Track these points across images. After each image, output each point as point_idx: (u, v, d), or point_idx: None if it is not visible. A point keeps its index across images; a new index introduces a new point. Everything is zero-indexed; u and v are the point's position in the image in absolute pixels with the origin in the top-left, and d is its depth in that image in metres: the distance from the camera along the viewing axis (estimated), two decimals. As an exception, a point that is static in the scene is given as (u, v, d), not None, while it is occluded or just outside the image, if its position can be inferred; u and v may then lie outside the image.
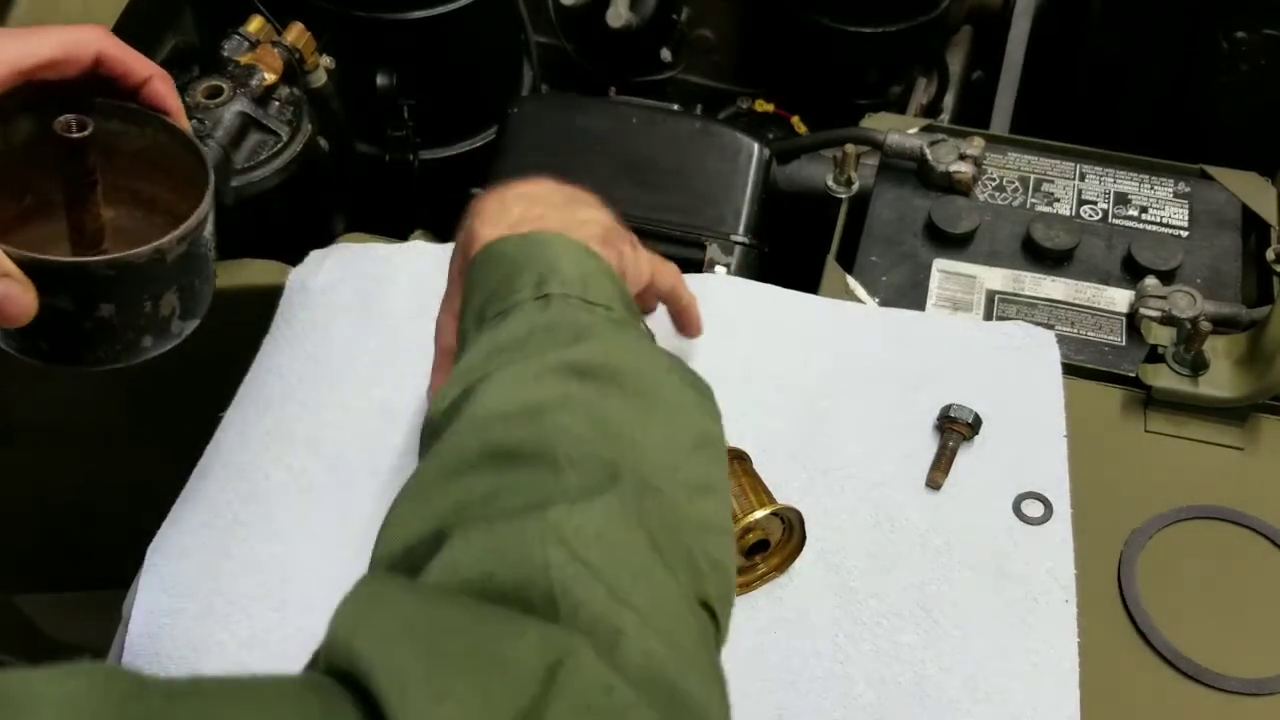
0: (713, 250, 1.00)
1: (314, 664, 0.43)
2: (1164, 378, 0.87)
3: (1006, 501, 0.79)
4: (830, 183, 1.06)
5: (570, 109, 1.10)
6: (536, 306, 0.61)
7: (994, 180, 1.04)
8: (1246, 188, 1.03)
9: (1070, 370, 0.87)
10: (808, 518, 0.74)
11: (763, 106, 1.38)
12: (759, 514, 0.72)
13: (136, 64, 0.70)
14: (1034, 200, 1.03)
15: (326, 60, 1.07)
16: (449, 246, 0.94)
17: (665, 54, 1.38)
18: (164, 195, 0.74)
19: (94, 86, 0.70)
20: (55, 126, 0.65)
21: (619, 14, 1.28)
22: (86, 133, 0.66)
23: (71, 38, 0.67)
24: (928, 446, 0.81)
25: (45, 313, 0.63)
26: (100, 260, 0.66)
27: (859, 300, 0.95)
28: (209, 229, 0.72)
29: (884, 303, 0.95)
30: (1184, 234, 1.00)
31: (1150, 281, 0.93)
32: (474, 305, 0.65)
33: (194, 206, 0.70)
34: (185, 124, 0.73)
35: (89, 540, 1.22)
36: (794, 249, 1.04)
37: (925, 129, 1.08)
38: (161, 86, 0.71)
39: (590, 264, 0.64)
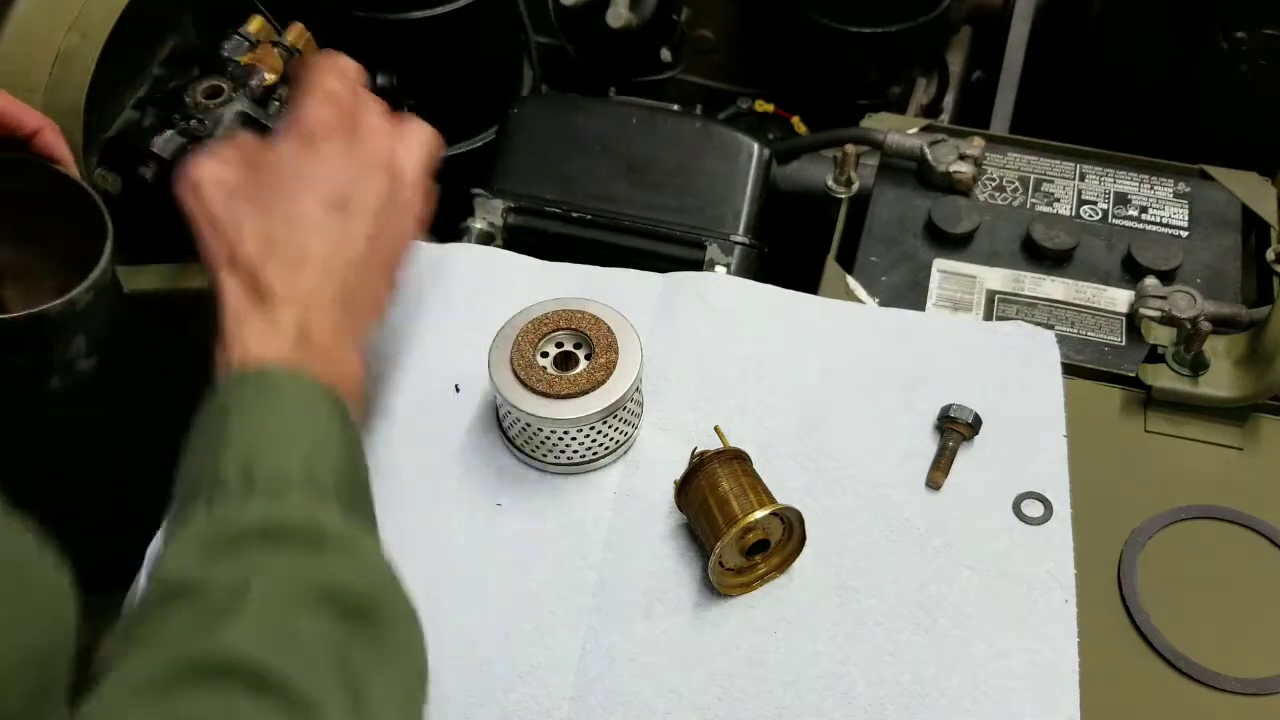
0: (713, 250, 1.00)
1: None
2: (1164, 378, 0.87)
3: (1006, 501, 0.79)
4: (830, 183, 1.06)
5: (570, 109, 1.10)
6: (244, 501, 0.57)
7: (994, 180, 1.04)
8: (1246, 188, 1.02)
9: (1070, 370, 0.87)
10: (808, 518, 0.74)
11: (763, 106, 1.38)
12: (759, 514, 0.72)
13: (25, 116, 0.74)
14: (1034, 200, 1.03)
15: (326, 60, 1.07)
16: (447, 247, 0.95)
17: (665, 54, 1.38)
18: (58, 239, 0.77)
19: None
20: None
21: (619, 14, 1.28)
22: None
23: None
24: (928, 446, 0.81)
25: None
26: (18, 316, 0.71)
27: (859, 300, 0.95)
28: (111, 274, 0.76)
29: (884, 303, 0.95)
30: (1184, 234, 1.00)
31: (1150, 281, 0.93)
32: (189, 464, 0.61)
33: (93, 249, 0.74)
34: (74, 172, 0.77)
35: (89, 540, 1.22)
36: (794, 249, 1.04)
37: (925, 129, 1.08)
38: (50, 136, 0.75)
39: (315, 431, 0.61)
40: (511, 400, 0.77)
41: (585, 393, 0.77)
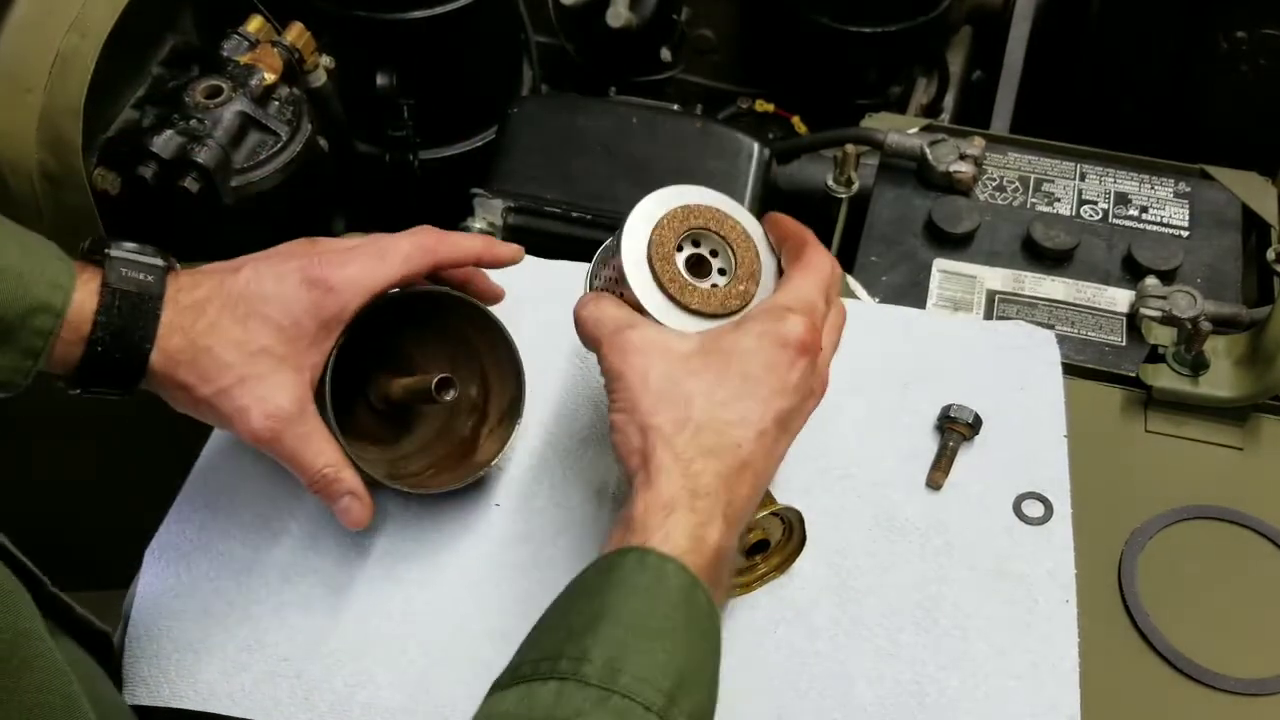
0: (713, 250, 1.00)
1: None
2: (1164, 378, 0.86)
3: (1006, 501, 0.79)
4: (830, 183, 1.06)
5: (570, 109, 1.10)
6: (599, 706, 0.53)
7: (994, 180, 1.04)
8: (1246, 188, 1.02)
9: (1070, 370, 0.87)
10: (808, 518, 0.74)
11: (763, 106, 1.38)
12: (759, 514, 0.72)
13: (465, 251, 0.76)
14: (1034, 200, 1.03)
15: (326, 60, 1.07)
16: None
17: (665, 54, 1.38)
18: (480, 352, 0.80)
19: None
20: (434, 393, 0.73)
21: (619, 14, 1.28)
22: (453, 395, 0.74)
23: (411, 250, 0.73)
24: (928, 446, 0.81)
25: None
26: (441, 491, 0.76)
27: (859, 300, 0.95)
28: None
29: (884, 302, 0.95)
30: (1184, 234, 1.00)
31: (1150, 281, 0.93)
32: (553, 628, 0.59)
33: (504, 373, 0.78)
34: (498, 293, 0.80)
35: (89, 540, 1.22)
36: (794, 249, 1.04)
37: (925, 129, 1.08)
38: (481, 281, 0.79)
39: (693, 653, 0.57)
40: (635, 287, 0.68)
41: (715, 317, 0.68)
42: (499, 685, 0.56)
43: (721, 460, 0.61)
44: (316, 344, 0.70)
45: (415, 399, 0.77)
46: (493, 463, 0.76)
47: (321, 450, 0.70)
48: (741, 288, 0.69)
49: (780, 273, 0.70)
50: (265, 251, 0.73)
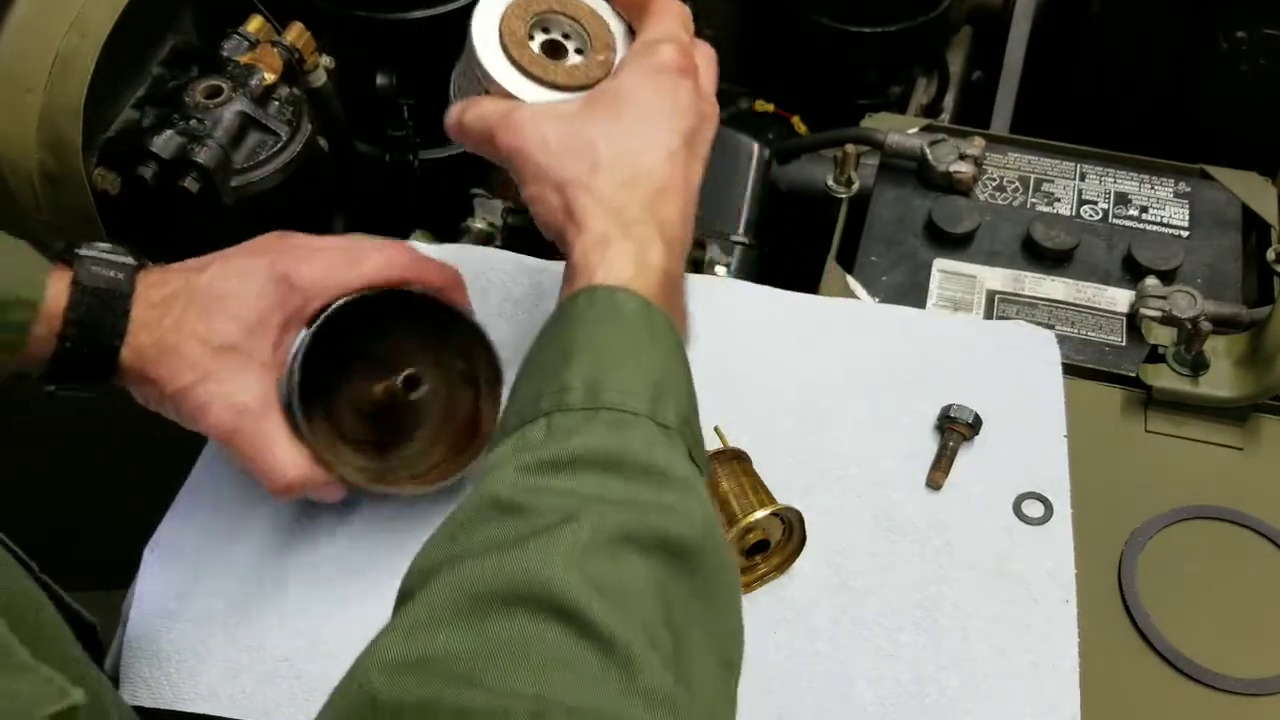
0: (713, 250, 1.00)
1: None
2: (1164, 378, 0.86)
3: (1006, 501, 0.79)
4: (830, 183, 1.06)
5: (570, 109, 1.10)
6: (589, 422, 0.55)
7: (994, 180, 1.04)
8: (1246, 188, 1.02)
9: (1070, 370, 0.87)
10: (808, 518, 0.74)
11: (763, 106, 1.38)
12: (759, 514, 0.72)
13: (435, 277, 0.76)
14: (1034, 200, 1.03)
15: (326, 60, 1.07)
16: (447, 247, 0.95)
17: (665, 54, 1.38)
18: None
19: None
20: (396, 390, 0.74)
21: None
22: (422, 392, 0.74)
23: (384, 263, 0.73)
24: (928, 446, 0.81)
25: None
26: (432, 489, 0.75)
27: (859, 300, 0.95)
28: None
29: (884, 302, 0.95)
30: (1184, 234, 1.00)
31: (1150, 281, 0.93)
32: (529, 379, 0.60)
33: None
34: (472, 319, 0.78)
35: (89, 540, 1.22)
36: (794, 249, 1.04)
37: (925, 129, 1.08)
38: (456, 295, 0.77)
39: (665, 364, 0.60)
40: (500, 79, 0.70)
41: (582, 88, 0.70)
42: (491, 448, 0.58)
43: (640, 188, 0.64)
44: (282, 341, 0.71)
45: (395, 399, 0.77)
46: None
47: (278, 447, 0.69)
48: (600, 58, 0.71)
49: (633, 35, 0.73)
50: (234, 248, 0.73)
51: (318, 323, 0.72)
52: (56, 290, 0.67)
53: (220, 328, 0.69)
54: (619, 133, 0.66)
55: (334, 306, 0.73)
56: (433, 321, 0.78)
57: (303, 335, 0.73)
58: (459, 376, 0.79)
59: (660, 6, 0.72)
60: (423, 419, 0.80)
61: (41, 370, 0.68)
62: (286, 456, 0.69)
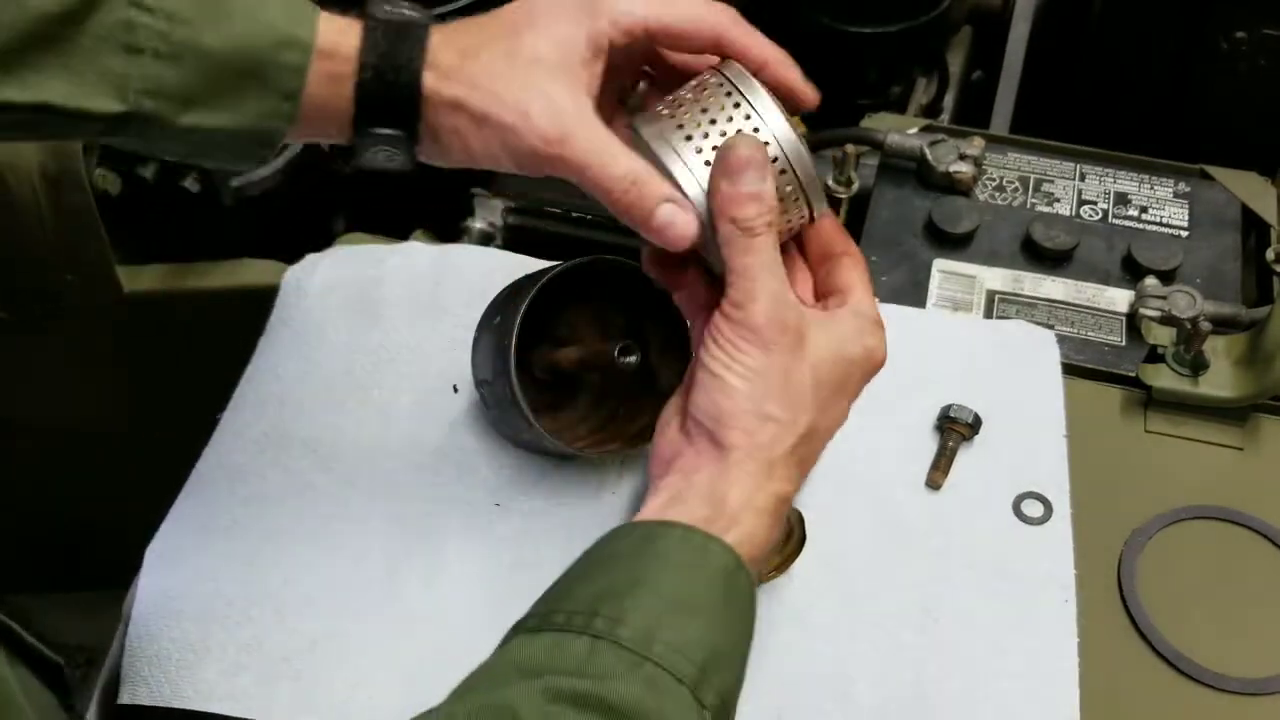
0: (713, 250, 1.00)
1: None
2: (1164, 378, 0.86)
3: (1006, 501, 0.79)
4: (830, 183, 1.06)
5: (570, 109, 1.10)
6: (632, 670, 0.52)
7: (994, 180, 1.04)
8: (1246, 188, 1.02)
9: (1070, 370, 0.87)
10: (808, 518, 0.74)
11: (763, 106, 1.37)
12: None
13: (756, 48, 0.67)
14: (1034, 200, 1.03)
15: (327, 60, 1.07)
16: (447, 247, 0.95)
17: (665, 54, 1.38)
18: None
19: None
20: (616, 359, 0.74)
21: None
22: (633, 361, 0.74)
23: (700, 13, 0.65)
24: (928, 446, 0.81)
25: None
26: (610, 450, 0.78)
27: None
28: None
29: (884, 302, 0.94)
30: (1184, 234, 1.00)
31: (1150, 281, 0.93)
32: (592, 579, 0.56)
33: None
34: (812, 100, 0.70)
35: (89, 540, 1.22)
36: (794, 249, 1.03)
37: (925, 129, 1.08)
38: (781, 71, 0.68)
39: (728, 634, 0.57)
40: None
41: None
42: (525, 628, 0.55)
43: (793, 444, 0.60)
44: (587, 65, 0.63)
45: (590, 368, 0.78)
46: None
47: (619, 154, 0.60)
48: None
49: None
50: None
51: (530, 295, 0.73)
52: (340, 27, 0.61)
53: (530, 43, 0.62)
54: (801, 387, 0.60)
55: (546, 278, 0.73)
56: (590, 275, 0.77)
57: (517, 309, 0.73)
58: (617, 332, 0.81)
59: (863, 273, 0.64)
60: (583, 378, 0.82)
61: (343, 122, 0.62)
62: (631, 163, 0.60)
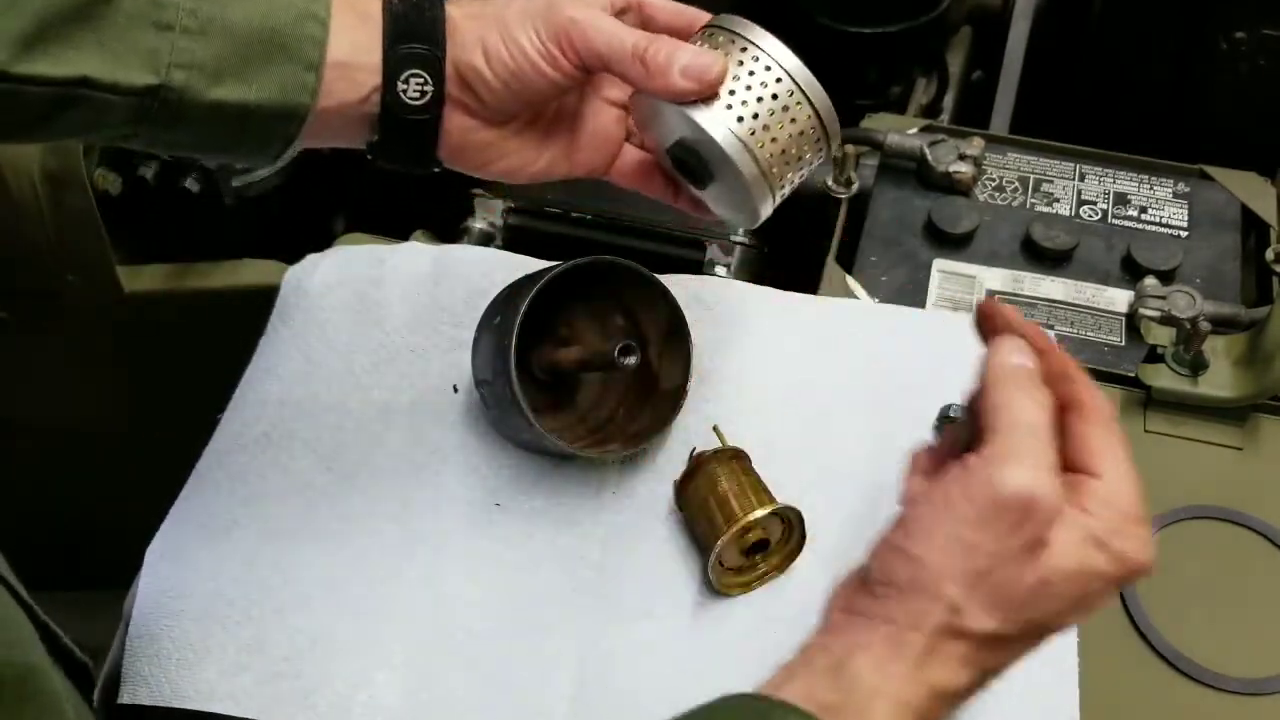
0: (713, 250, 1.00)
1: None
2: (1163, 378, 0.87)
3: (1006, 501, 0.79)
4: (830, 183, 1.06)
5: (570, 109, 1.10)
6: None
7: (994, 180, 1.04)
8: (1246, 188, 1.02)
9: (1070, 370, 0.87)
10: (808, 518, 0.74)
11: (763, 107, 1.37)
12: (759, 513, 0.72)
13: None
14: (1034, 200, 1.03)
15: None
16: (447, 247, 0.95)
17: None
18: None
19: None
20: (616, 360, 0.73)
21: (619, 14, 1.27)
22: (633, 362, 0.74)
23: None
24: (927, 446, 0.81)
25: None
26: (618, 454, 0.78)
27: (859, 300, 0.95)
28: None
29: (884, 302, 0.95)
30: (1184, 234, 1.00)
31: (1150, 281, 0.93)
32: None
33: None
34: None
35: (89, 540, 1.22)
36: (794, 249, 1.04)
37: (925, 129, 1.08)
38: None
39: None
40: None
41: None
42: None
43: (977, 666, 0.54)
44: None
45: (590, 368, 0.78)
46: (688, 384, 0.78)
47: (632, 30, 0.63)
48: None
49: None
50: None
51: (530, 295, 0.73)
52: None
53: None
54: (1015, 591, 0.52)
55: (547, 278, 0.74)
56: (589, 275, 0.78)
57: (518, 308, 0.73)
58: (617, 331, 0.81)
59: (1113, 437, 0.55)
60: (582, 378, 0.82)
61: (368, 101, 0.64)
62: (625, 30, 0.63)
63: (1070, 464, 0.54)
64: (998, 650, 0.53)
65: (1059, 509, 0.52)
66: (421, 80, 0.63)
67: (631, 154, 0.72)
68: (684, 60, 0.61)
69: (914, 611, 0.52)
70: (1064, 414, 0.55)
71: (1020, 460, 0.52)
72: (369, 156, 0.67)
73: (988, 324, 0.57)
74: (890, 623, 0.52)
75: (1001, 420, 0.53)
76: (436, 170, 0.68)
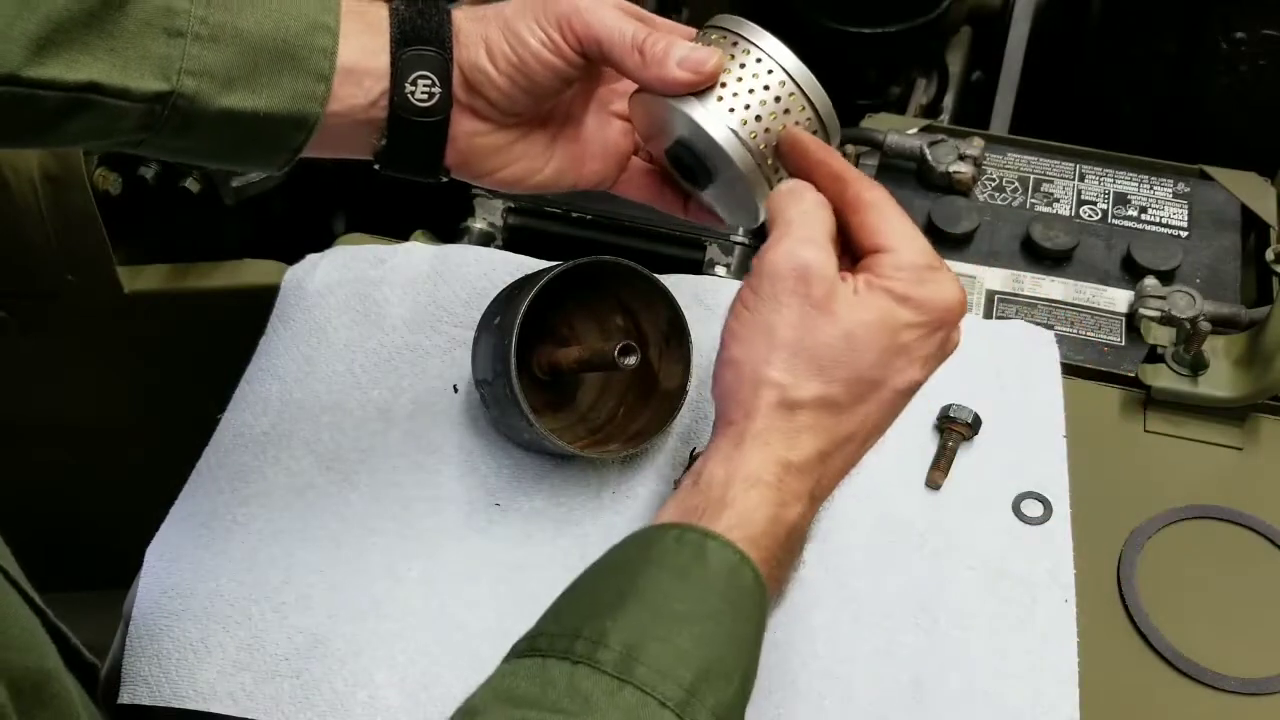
0: (713, 250, 1.00)
1: None
2: (1163, 378, 0.87)
3: (1006, 501, 0.79)
4: (830, 183, 1.06)
5: (570, 109, 1.10)
6: (610, 696, 0.50)
7: (993, 180, 1.04)
8: (1246, 188, 1.02)
9: (1070, 370, 0.87)
10: (807, 518, 0.74)
11: (763, 107, 1.37)
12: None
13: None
14: (1033, 200, 1.03)
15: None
16: (446, 247, 0.95)
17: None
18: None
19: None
20: (617, 361, 0.73)
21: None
22: (633, 362, 0.73)
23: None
24: (927, 446, 0.81)
25: None
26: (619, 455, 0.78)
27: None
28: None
29: (884, 303, 0.95)
30: (1183, 234, 1.00)
31: (1150, 281, 0.93)
32: (581, 597, 0.56)
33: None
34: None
35: (89, 540, 1.22)
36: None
37: (925, 129, 1.08)
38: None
39: (727, 642, 0.53)
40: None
41: None
42: (516, 652, 0.55)
43: (825, 435, 0.57)
44: None
45: (590, 368, 0.78)
46: (688, 384, 0.78)
47: (634, 23, 0.63)
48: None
49: None
50: None
51: (530, 295, 0.73)
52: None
53: None
54: (825, 347, 0.57)
55: (547, 278, 0.74)
56: (589, 275, 0.78)
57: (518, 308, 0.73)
58: (617, 331, 0.81)
59: (892, 213, 0.60)
60: (582, 378, 0.82)
61: (377, 103, 0.63)
62: (624, 20, 0.62)
63: (862, 249, 0.60)
64: (839, 414, 0.58)
65: (833, 266, 0.58)
66: (429, 82, 0.63)
67: (639, 167, 0.72)
68: (681, 52, 0.61)
69: (745, 404, 0.57)
70: (847, 214, 0.60)
71: (784, 238, 0.58)
72: (375, 166, 0.66)
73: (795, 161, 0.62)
74: (730, 423, 0.57)
75: (772, 223, 0.59)
76: (444, 179, 0.68)
